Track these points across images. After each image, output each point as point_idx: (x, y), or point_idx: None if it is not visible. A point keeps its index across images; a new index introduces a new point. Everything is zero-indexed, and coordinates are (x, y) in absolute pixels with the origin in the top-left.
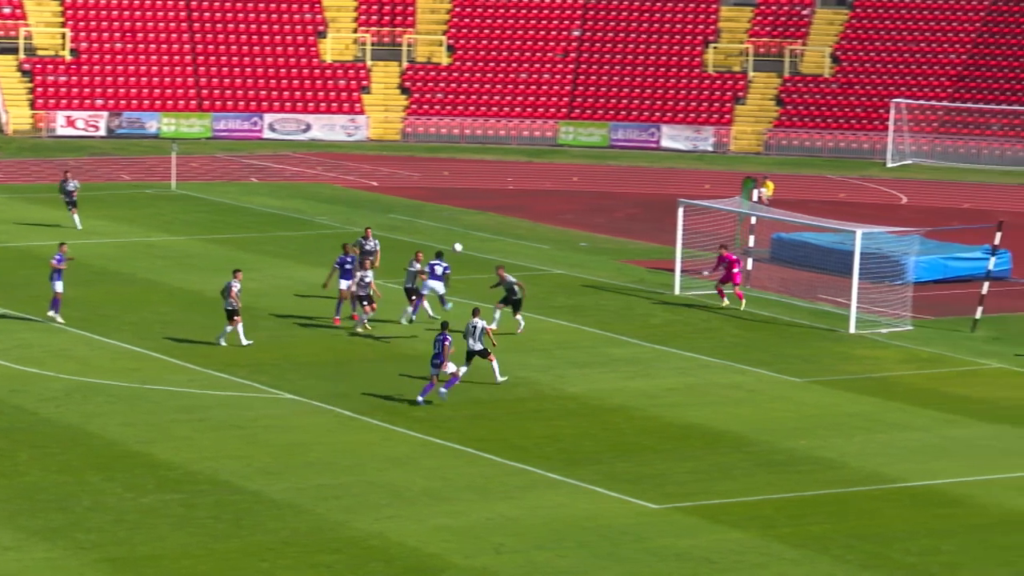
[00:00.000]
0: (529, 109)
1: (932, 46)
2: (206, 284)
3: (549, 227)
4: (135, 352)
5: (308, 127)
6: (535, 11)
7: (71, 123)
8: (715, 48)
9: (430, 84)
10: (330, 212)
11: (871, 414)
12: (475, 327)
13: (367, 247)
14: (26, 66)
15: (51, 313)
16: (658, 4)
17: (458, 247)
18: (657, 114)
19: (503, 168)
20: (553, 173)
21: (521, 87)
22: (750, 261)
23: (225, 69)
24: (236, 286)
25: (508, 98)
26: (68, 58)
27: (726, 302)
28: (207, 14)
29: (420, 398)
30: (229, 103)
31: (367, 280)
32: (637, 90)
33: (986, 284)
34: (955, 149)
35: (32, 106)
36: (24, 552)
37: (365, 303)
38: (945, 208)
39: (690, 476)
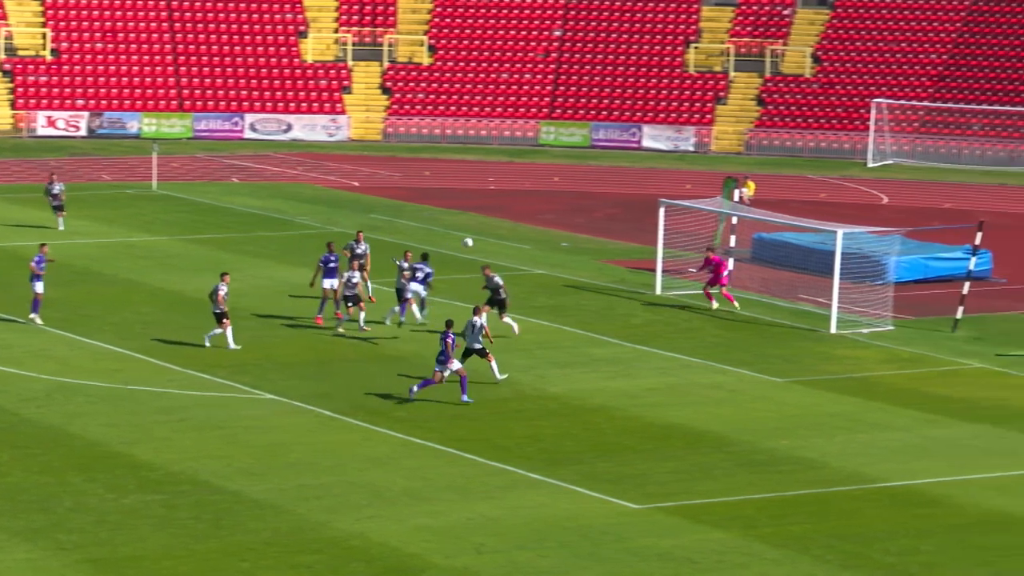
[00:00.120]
0: (510, 109)
1: (913, 46)
2: (187, 284)
3: (530, 227)
4: (116, 352)
5: (289, 127)
6: (516, 11)
7: (52, 123)
8: (696, 48)
9: (411, 84)
10: (311, 212)
11: (852, 414)
12: (475, 325)
13: (358, 251)
14: (6, 66)
15: (32, 316)
16: (639, 4)
17: (468, 241)
18: (638, 114)
19: (484, 168)
20: (534, 173)
21: (502, 87)
22: (731, 261)
23: (206, 69)
24: (223, 289)
25: (489, 98)
26: (49, 58)
27: (715, 304)
28: (188, 14)
29: (415, 388)
30: (210, 103)
31: (354, 281)
32: (618, 90)
33: (967, 284)
34: (936, 149)
35: (12, 106)
36: (5, 553)
37: (350, 304)
38: (926, 208)
39: (671, 476)
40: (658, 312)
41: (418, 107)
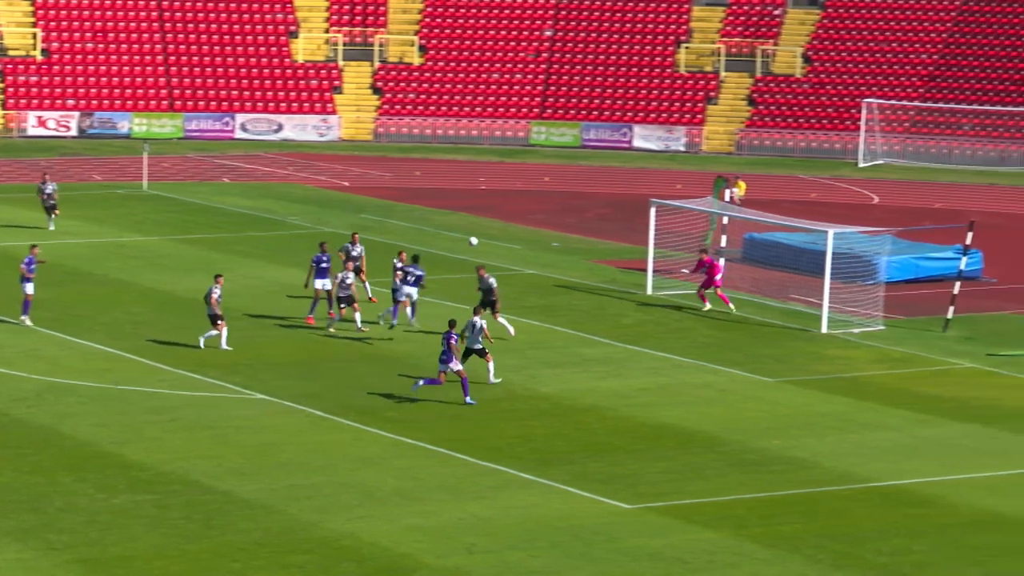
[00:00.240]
0: (501, 109)
1: (904, 46)
2: (177, 284)
3: (521, 227)
4: (107, 352)
5: (280, 127)
6: (507, 11)
7: (42, 123)
8: (687, 48)
9: (402, 84)
10: (302, 212)
11: (843, 414)
12: (475, 325)
13: (353, 253)
14: None
15: (22, 317)
16: (630, 4)
17: (473, 241)
18: (629, 114)
19: (475, 168)
20: (525, 173)
21: (493, 87)
22: (722, 261)
23: (197, 69)
24: (216, 292)
25: (480, 98)
26: (39, 58)
27: (708, 306)
28: (179, 14)
29: (420, 382)
30: (201, 103)
31: (348, 281)
32: (609, 90)
33: (957, 284)
34: (927, 149)
35: (3, 106)
36: None
37: (343, 305)
38: (917, 208)
39: (662, 476)
40: (649, 312)
41: (409, 107)
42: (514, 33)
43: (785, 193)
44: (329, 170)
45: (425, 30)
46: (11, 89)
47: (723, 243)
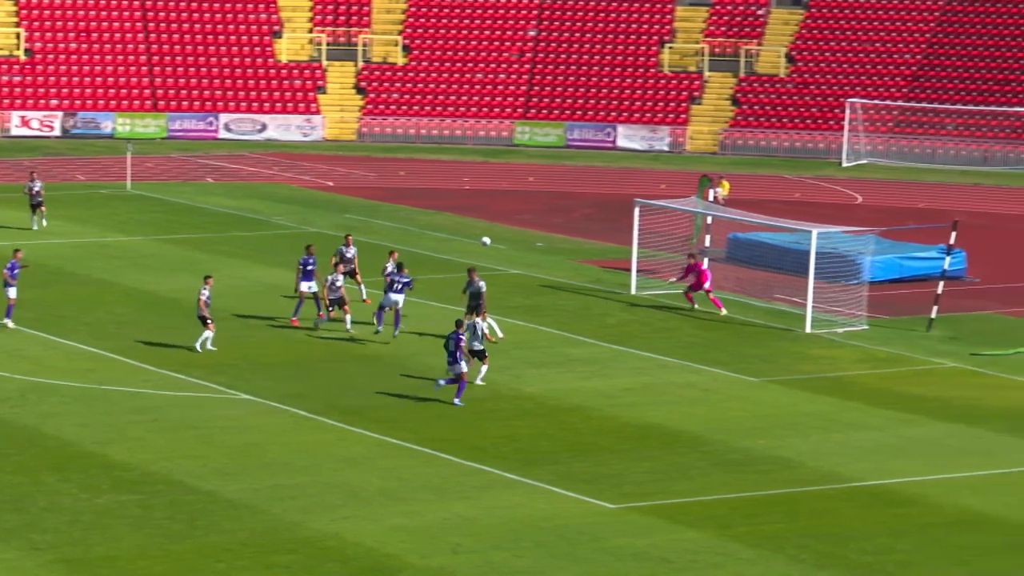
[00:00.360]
0: (485, 109)
1: (887, 46)
2: (161, 284)
3: (506, 227)
4: (90, 352)
5: (264, 127)
6: (491, 11)
7: (26, 123)
8: (671, 48)
9: (386, 84)
10: (286, 212)
11: (827, 413)
12: (476, 327)
13: (348, 254)
14: None
15: (4, 320)
16: (614, 4)
17: (486, 241)
18: (613, 114)
19: (459, 168)
20: (509, 173)
21: (477, 87)
22: (706, 261)
23: (180, 69)
24: (204, 293)
25: (464, 98)
26: (23, 58)
27: (696, 306)
28: (162, 14)
29: (441, 382)
30: (184, 103)
31: (337, 284)
32: (593, 90)
33: (941, 284)
34: (910, 149)
35: None
36: None
37: (332, 308)
38: (900, 208)
39: (647, 476)
40: (634, 312)
41: (393, 107)
42: (498, 33)
43: (769, 193)
44: (313, 170)
45: (409, 30)
46: None
47: (707, 243)
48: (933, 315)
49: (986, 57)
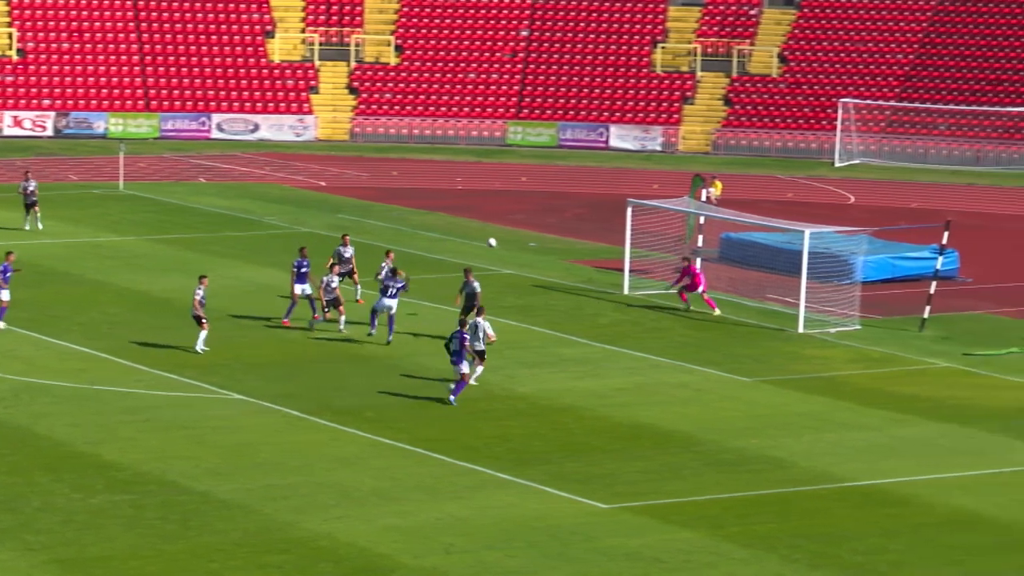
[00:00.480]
0: (478, 109)
1: (879, 46)
2: (154, 284)
3: (498, 227)
4: (83, 353)
5: (256, 127)
6: (483, 11)
7: (18, 123)
8: (663, 48)
9: (378, 84)
10: (279, 212)
11: (820, 413)
12: (477, 327)
13: (345, 255)
14: None
15: None
16: (606, 4)
17: (492, 242)
18: (605, 114)
19: (452, 168)
20: (502, 173)
21: (469, 87)
22: (698, 261)
23: (173, 69)
24: (198, 293)
25: (456, 98)
26: (15, 58)
27: (690, 306)
28: (155, 14)
29: (453, 398)
30: (177, 103)
31: (333, 285)
32: (585, 90)
33: (934, 284)
34: (903, 149)
35: None
36: None
37: (328, 309)
38: (893, 208)
39: (640, 476)
40: (626, 312)
41: (385, 107)
42: (490, 33)
43: (762, 193)
44: (306, 170)
45: (401, 30)
46: None
47: (700, 243)
48: (926, 315)
49: (978, 57)
